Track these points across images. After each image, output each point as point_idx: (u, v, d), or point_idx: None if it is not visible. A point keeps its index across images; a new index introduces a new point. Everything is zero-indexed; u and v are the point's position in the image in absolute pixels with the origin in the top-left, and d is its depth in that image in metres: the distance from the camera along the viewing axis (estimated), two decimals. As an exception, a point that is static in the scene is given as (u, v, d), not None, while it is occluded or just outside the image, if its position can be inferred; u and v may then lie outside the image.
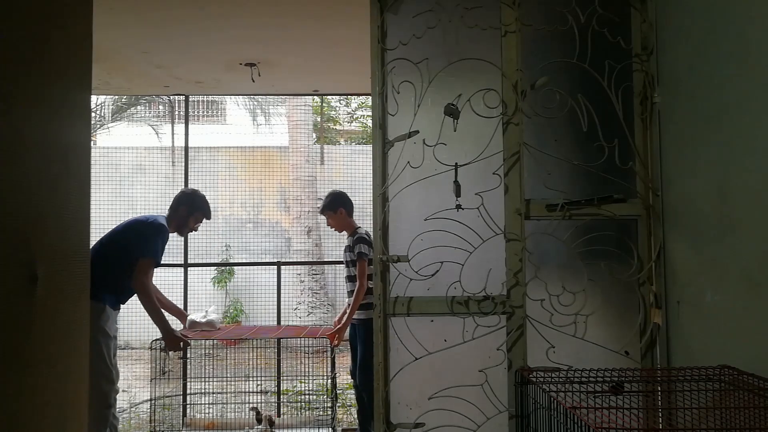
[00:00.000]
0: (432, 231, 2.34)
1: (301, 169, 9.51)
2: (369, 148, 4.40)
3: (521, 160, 2.33)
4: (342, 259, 4.19)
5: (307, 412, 4.77)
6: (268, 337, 4.11)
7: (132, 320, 7.30)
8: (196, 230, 3.84)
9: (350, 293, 4.07)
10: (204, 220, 3.83)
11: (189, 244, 5.30)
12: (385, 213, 2.39)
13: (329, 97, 11.79)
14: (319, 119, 11.82)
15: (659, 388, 1.86)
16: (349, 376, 4.32)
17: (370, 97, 2.49)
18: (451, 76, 2.36)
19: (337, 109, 13.06)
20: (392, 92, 2.39)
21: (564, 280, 2.30)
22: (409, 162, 2.36)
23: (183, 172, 5.47)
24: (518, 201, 2.32)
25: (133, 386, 6.67)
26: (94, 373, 3.04)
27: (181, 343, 3.65)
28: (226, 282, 9.20)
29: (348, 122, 13.32)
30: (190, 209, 3.72)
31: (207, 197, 3.82)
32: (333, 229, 4.26)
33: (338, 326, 4.00)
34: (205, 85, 4.63)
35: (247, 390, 4.49)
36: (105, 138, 11.49)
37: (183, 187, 5.27)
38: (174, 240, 3.80)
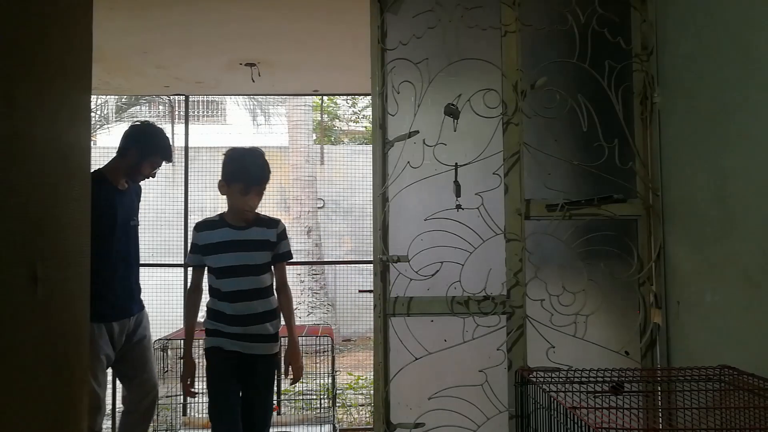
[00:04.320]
0: (432, 231, 2.34)
1: (301, 169, 9.51)
2: (369, 148, 4.37)
3: (521, 160, 2.33)
4: (339, 259, 3.48)
5: (306, 411, 4.76)
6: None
7: (132, 320, 7.28)
8: (153, 177, 2.91)
9: (258, 292, 2.63)
10: (164, 164, 2.87)
11: (189, 245, 5.28)
12: (385, 213, 2.39)
13: (335, 96, 11.78)
14: (319, 119, 11.82)
15: (659, 388, 1.86)
16: (350, 376, 4.27)
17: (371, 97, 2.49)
18: (451, 76, 2.36)
19: (343, 107, 13.05)
20: (392, 92, 2.39)
21: (564, 280, 2.30)
22: (409, 162, 2.36)
23: (183, 172, 5.44)
24: (518, 201, 2.32)
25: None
26: None
27: None
28: (226, 282, 9.17)
29: (354, 122, 13.31)
30: (141, 152, 2.79)
31: (207, 197, 3.31)
32: (253, 209, 2.66)
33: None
34: (205, 85, 4.63)
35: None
36: (105, 138, 11.48)
37: (183, 187, 5.23)
38: (174, 240, 3.66)
